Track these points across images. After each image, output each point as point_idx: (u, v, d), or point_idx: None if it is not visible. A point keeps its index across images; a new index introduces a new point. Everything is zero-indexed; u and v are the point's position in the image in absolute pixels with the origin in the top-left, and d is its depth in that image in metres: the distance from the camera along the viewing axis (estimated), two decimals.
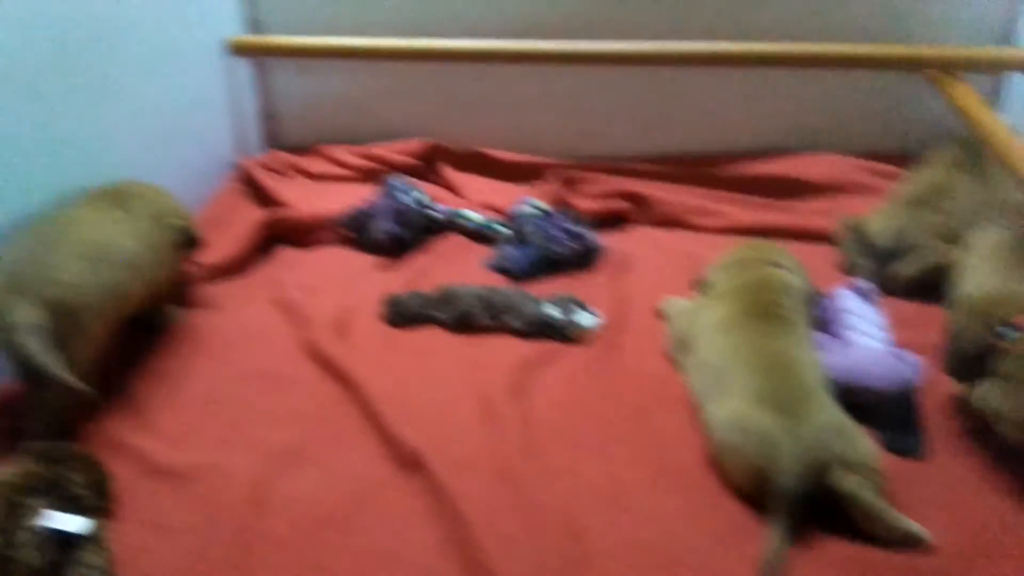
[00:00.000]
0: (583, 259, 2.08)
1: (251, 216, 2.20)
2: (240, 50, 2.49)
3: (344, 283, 2.00)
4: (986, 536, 1.30)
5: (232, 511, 1.35)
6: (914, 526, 1.27)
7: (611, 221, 2.27)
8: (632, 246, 2.16)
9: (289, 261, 2.10)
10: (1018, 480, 1.40)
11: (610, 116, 2.61)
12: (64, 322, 1.43)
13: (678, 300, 1.83)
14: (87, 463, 1.32)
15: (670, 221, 2.28)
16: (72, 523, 1.19)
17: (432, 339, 1.81)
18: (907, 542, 1.26)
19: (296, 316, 1.84)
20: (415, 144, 2.59)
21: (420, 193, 2.21)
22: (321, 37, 2.49)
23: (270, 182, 2.36)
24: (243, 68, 2.57)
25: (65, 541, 1.18)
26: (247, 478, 1.42)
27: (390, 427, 1.51)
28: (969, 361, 1.45)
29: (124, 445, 1.47)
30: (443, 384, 1.66)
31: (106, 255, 1.54)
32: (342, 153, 2.60)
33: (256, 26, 2.56)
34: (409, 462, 1.44)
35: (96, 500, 1.29)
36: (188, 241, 1.84)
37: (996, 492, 1.39)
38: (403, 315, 1.85)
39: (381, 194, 2.19)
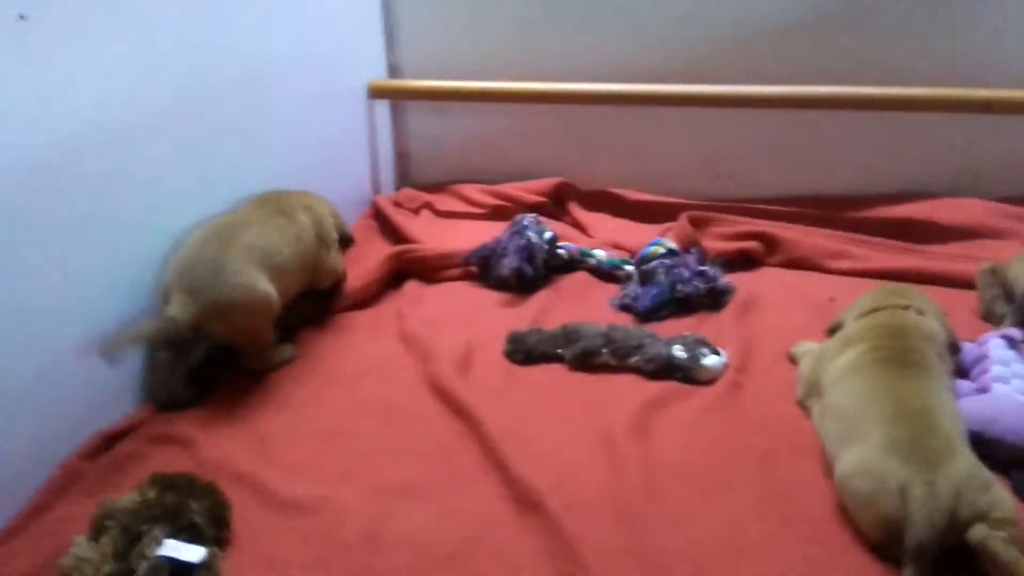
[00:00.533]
0: (711, 299, 2.05)
1: (381, 251, 2.29)
2: (377, 93, 2.63)
3: (468, 319, 2.04)
4: None
5: (347, 547, 1.35)
6: None
7: (741, 262, 2.24)
8: (762, 287, 2.12)
9: (415, 295, 2.16)
10: None
11: (742, 158, 2.59)
12: (233, 319, 1.67)
13: (809, 344, 1.77)
14: (207, 492, 1.33)
15: (801, 263, 2.23)
16: (189, 552, 1.19)
17: (554, 377, 1.81)
18: None
19: (419, 350, 1.88)
20: (545, 183, 2.64)
21: (548, 231, 2.24)
22: (454, 81, 2.59)
23: (400, 218, 2.45)
24: (382, 110, 2.67)
25: (181, 570, 1.19)
26: (364, 513, 1.41)
27: (510, 465, 1.50)
28: None
29: (244, 475, 1.50)
30: (564, 423, 1.65)
31: (271, 260, 1.75)
32: (473, 191, 2.69)
33: (394, 70, 2.68)
34: (528, 502, 1.43)
35: (214, 530, 1.30)
36: (343, 240, 2.10)
37: None
38: (525, 352, 1.86)
39: (509, 231, 2.23)
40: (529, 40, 2.59)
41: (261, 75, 2.04)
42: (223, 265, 1.65)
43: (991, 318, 1.88)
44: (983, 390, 1.55)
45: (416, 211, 2.61)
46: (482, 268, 2.20)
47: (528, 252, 2.15)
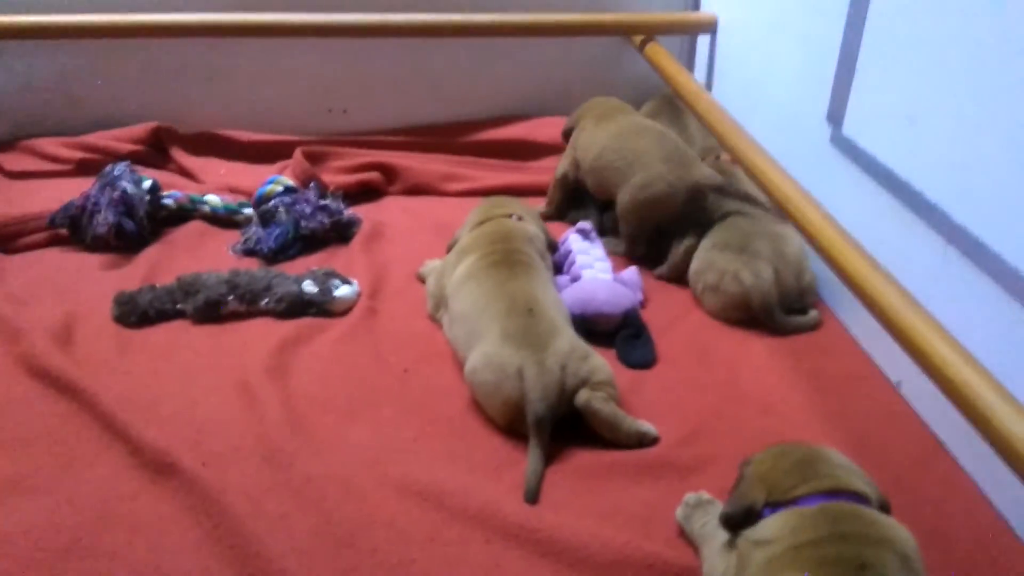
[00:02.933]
0: (337, 233, 2.14)
1: None
2: None
3: (65, 288, 1.91)
4: (701, 423, 1.56)
5: None
6: (644, 426, 1.51)
7: (364, 194, 2.37)
8: (386, 216, 2.28)
9: None
10: (725, 372, 1.71)
11: (354, 91, 2.68)
12: None
13: (433, 262, 1.96)
14: None
15: (420, 189, 2.45)
16: None
17: (177, 334, 1.78)
18: (641, 441, 1.49)
19: (6, 331, 1.71)
20: (139, 129, 2.52)
21: (147, 179, 2.14)
22: (4, 15, 2.31)
23: None
24: None
25: None
26: None
27: (136, 435, 1.46)
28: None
29: None
30: (194, 379, 1.64)
31: None
32: (50, 146, 2.48)
33: None
34: (161, 466, 1.41)
35: None
36: None
37: (708, 386, 1.67)
38: (138, 313, 1.80)
39: (98, 184, 2.10)
40: None
41: None
42: None
43: (578, 218, 2.20)
44: (576, 279, 1.86)
45: None
46: (73, 229, 2.06)
47: (126, 205, 2.05)
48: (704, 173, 1.98)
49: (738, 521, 1.12)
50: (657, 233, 2.01)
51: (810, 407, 1.60)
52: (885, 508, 1.10)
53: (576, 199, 2.24)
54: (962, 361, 1.16)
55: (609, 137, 2.07)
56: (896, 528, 1.05)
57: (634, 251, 2.03)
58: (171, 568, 1.24)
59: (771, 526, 1.07)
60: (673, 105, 2.50)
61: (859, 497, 1.07)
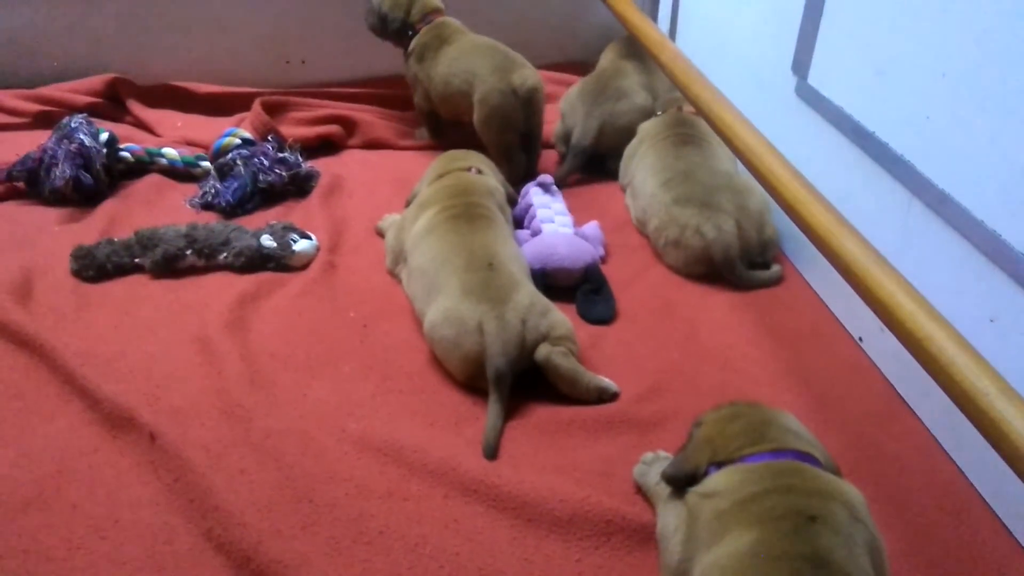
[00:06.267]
0: (296, 186, 2.13)
1: None
2: None
3: (23, 242, 1.89)
4: (661, 379, 1.57)
5: None
6: (604, 381, 1.51)
7: (322, 147, 2.35)
8: (345, 169, 2.26)
9: None
10: (685, 327, 1.72)
11: (311, 42, 2.65)
12: None
13: (393, 216, 1.95)
14: None
15: (379, 143, 2.42)
16: None
17: (136, 288, 1.76)
18: (600, 396, 1.50)
19: None
20: (95, 81, 2.47)
21: (104, 132, 2.11)
22: None
23: None
24: None
25: None
26: None
27: (95, 389, 1.46)
28: None
29: None
30: (152, 334, 1.63)
31: None
32: (6, 98, 2.43)
33: None
34: (120, 421, 1.41)
35: None
36: None
37: (669, 341, 1.68)
38: (96, 267, 1.78)
39: (55, 137, 2.06)
40: None
41: None
42: None
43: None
44: (536, 233, 1.86)
45: None
46: (30, 182, 2.03)
47: (83, 157, 2.02)
48: (523, 75, 2.13)
49: (680, 483, 1.14)
50: (522, 140, 2.15)
51: (771, 362, 1.62)
52: (835, 474, 1.11)
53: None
54: (925, 315, 1.15)
55: (448, 63, 2.21)
56: (842, 483, 1.06)
57: (510, 166, 2.13)
58: (131, 521, 1.25)
59: (717, 480, 1.09)
60: (636, 51, 2.46)
61: (805, 456, 1.09)
